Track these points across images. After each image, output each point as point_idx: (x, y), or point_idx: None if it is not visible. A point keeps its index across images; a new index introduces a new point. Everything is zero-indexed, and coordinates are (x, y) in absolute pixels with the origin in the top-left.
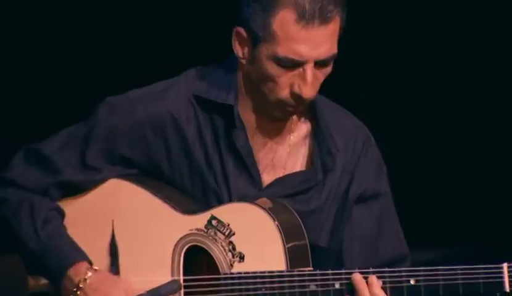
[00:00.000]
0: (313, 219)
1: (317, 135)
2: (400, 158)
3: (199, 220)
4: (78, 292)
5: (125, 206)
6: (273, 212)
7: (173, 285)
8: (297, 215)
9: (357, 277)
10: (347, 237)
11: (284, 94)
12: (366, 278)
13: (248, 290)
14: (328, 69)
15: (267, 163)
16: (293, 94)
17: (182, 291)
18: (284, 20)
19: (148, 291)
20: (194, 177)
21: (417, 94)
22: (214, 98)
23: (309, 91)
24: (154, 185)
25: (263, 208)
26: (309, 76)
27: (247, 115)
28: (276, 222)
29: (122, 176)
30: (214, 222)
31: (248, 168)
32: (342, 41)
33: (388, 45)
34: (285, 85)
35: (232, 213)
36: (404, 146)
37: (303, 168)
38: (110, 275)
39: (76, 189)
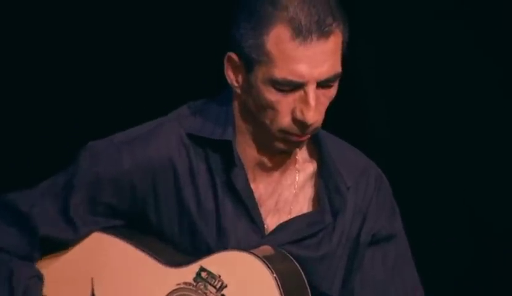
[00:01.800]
0: (324, 266)
1: (323, 173)
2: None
3: (187, 272)
4: None
5: (105, 262)
6: (270, 261)
7: None
8: (298, 266)
9: None
10: (358, 283)
11: (286, 121)
12: None
13: None
14: (332, 91)
15: (270, 206)
16: (296, 121)
17: None
18: (278, 38)
19: None
20: (183, 227)
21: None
22: (210, 135)
23: (313, 115)
24: (137, 237)
25: (258, 257)
26: (312, 99)
27: (246, 152)
28: (274, 275)
29: (103, 229)
30: (203, 274)
31: (250, 212)
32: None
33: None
34: (286, 111)
35: (223, 263)
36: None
37: (310, 209)
38: None
39: (55, 245)
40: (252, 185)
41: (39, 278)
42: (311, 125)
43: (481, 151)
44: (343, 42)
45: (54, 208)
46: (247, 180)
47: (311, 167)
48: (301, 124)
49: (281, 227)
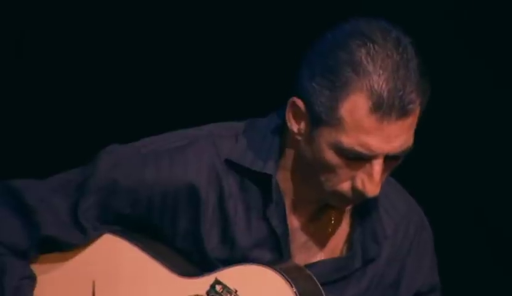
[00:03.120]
0: None
1: (362, 215)
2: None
3: (200, 284)
4: None
5: (109, 265)
6: (293, 280)
7: None
8: (322, 290)
9: None
10: None
11: (344, 187)
12: None
13: None
14: (398, 162)
15: (301, 242)
16: (354, 190)
17: None
18: (355, 107)
19: None
20: (200, 249)
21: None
22: (250, 166)
23: (374, 189)
24: (147, 241)
25: (279, 273)
26: (377, 173)
27: (285, 186)
28: (294, 289)
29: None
30: (218, 287)
31: (280, 247)
32: None
33: None
34: (346, 177)
35: (240, 277)
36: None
37: (340, 252)
38: None
39: (57, 247)
40: (288, 223)
41: (32, 279)
42: (369, 197)
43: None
44: (420, 113)
45: (64, 208)
46: (283, 218)
47: (349, 209)
48: (359, 194)
49: (307, 267)
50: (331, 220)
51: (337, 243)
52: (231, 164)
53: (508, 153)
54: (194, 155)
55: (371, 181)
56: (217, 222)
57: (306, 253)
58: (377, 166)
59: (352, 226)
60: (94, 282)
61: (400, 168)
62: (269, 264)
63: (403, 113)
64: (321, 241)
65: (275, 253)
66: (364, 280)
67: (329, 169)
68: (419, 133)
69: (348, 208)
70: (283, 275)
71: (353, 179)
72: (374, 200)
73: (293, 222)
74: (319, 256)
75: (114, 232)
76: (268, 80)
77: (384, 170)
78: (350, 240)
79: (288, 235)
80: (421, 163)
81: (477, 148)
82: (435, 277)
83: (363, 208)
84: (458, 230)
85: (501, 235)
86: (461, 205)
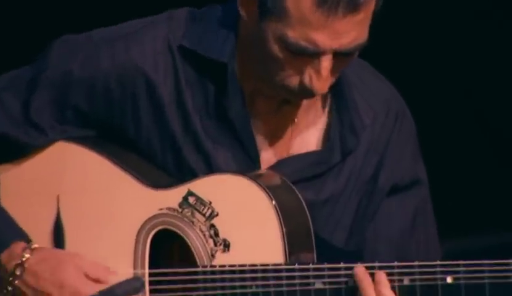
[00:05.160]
0: (326, 211)
1: (338, 106)
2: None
3: (172, 196)
4: (16, 282)
5: (74, 177)
6: (269, 188)
7: (132, 284)
8: (299, 195)
9: (360, 273)
10: (372, 235)
11: (292, 82)
12: (372, 275)
13: (233, 287)
14: (352, 58)
15: (267, 138)
16: (302, 85)
17: (147, 288)
18: None
19: (100, 292)
20: (166, 149)
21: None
22: (204, 53)
23: (323, 86)
24: (113, 151)
25: (257, 183)
26: (325, 70)
27: (244, 78)
28: (274, 202)
29: (73, 139)
30: (191, 199)
31: (243, 143)
32: None
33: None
34: (294, 72)
35: (215, 188)
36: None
37: (317, 147)
38: (54, 252)
39: (14, 149)
40: (248, 114)
41: None
42: (317, 94)
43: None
44: (376, 7)
45: (15, 106)
46: (243, 106)
47: (323, 98)
48: (307, 91)
49: (281, 163)
50: (298, 112)
51: (307, 138)
52: (186, 52)
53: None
54: (151, 39)
55: (318, 78)
56: (177, 113)
57: (273, 150)
58: (325, 62)
59: (329, 120)
60: (58, 197)
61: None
62: (246, 173)
63: (352, 8)
64: (288, 136)
65: (240, 152)
66: (342, 176)
67: (277, 63)
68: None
69: (323, 102)
70: (261, 186)
71: (301, 74)
72: (351, 90)
73: (255, 115)
74: (288, 152)
75: (78, 142)
76: None
77: (336, 67)
78: (326, 135)
79: (250, 129)
80: (420, 65)
81: (476, 51)
82: (419, 172)
83: (340, 99)
84: (459, 134)
85: (502, 136)
86: (461, 108)
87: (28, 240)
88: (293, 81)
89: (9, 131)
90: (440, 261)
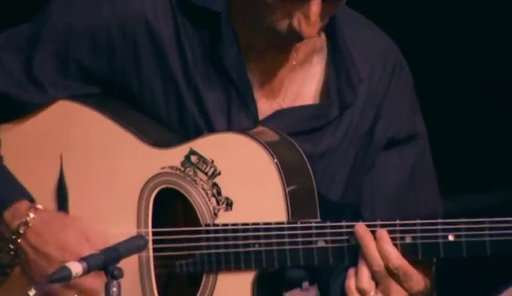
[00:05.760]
0: (323, 164)
1: (335, 60)
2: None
3: (174, 155)
4: (19, 240)
5: (77, 136)
6: (271, 146)
7: (136, 242)
8: (302, 152)
9: (361, 230)
10: (369, 189)
11: (280, 26)
12: (373, 232)
13: (236, 246)
14: (340, 3)
15: (263, 89)
16: (290, 29)
17: (150, 247)
18: None
19: (102, 250)
20: (169, 98)
21: None
22: (199, 2)
23: (311, 30)
24: (116, 110)
25: (258, 141)
26: (314, 14)
27: (239, 28)
28: (275, 160)
29: (76, 96)
30: (194, 158)
31: (240, 93)
32: None
33: None
34: (283, 16)
35: (217, 147)
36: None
37: (314, 100)
38: (58, 215)
39: (16, 108)
40: (244, 63)
41: None
42: (306, 38)
43: None
44: None
45: (16, 64)
46: (238, 55)
47: (319, 47)
48: (296, 35)
49: (278, 114)
50: (293, 63)
51: (304, 90)
52: (182, 2)
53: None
54: None
55: (307, 22)
56: (179, 63)
57: (271, 100)
58: (314, 6)
59: (326, 74)
60: (61, 155)
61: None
62: (248, 131)
63: None
64: (284, 86)
65: (238, 101)
66: (340, 130)
67: (266, 7)
68: None
69: (318, 54)
70: (262, 144)
71: (290, 18)
72: (347, 44)
73: (252, 65)
74: (284, 103)
75: (81, 101)
76: None
77: (325, 12)
78: (324, 90)
79: (246, 78)
80: (418, 16)
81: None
82: (417, 124)
83: (336, 53)
84: (459, 89)
85: (505, 93)
86: (461, 61)
87: (32, 200)
88: (282, 25)
89: (10, 90)
90: (441, 219)
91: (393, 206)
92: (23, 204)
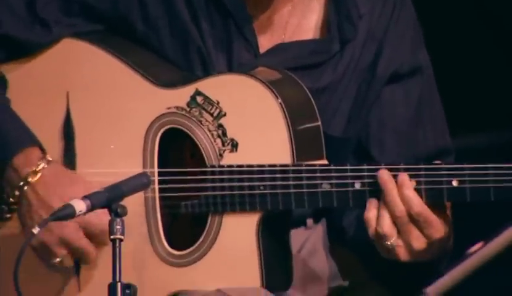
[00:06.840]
0: (324, 99)
1: None
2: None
3: (180, 96)
4: (25, 188)
5: (83, 74)
6: (275, 86)
7: (139, 180)
8: (307, 90)
9: (384, 175)
10: (376, 125)
11: None
12: (395, 177)
13: (242, 188)
14: None
15: (263, 22)
16: None
17: (156, 187)
18: None
19: (106, 188)
20: (175, 34)
21: None
22: None
23: None
24: (121, 48)
25: (262, 82)
26: None
27: None
28: (279, 100)
29: (80, 34)
30: (199, 99)
31: (239, 26)
32: None
33: None
34: None
35: (222, 88)
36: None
37: (314, 35)
38: (67, 171)
39: (21, 48)
40: None
41: (0, 82)
42: None
43: None
44: None
45: (20, 3)
46: None
47: None
48: None
49: (279, 48)
50: (291, 1)
51: (304, 25)
52: None
53: None
54: None
55: None
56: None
57: (270, 34)
58: None
59: (325, 10)
60: (67, 94)
61: None
62: (253, 72)
63: None
64: (284, 20)
65: (237, 35)
66: (341, 65)
67: None
68: None
69: None
70: (266, 85)
71: None
72: None
73: (250, 3)
74: (284, 38)
75: (86, 39)
76: None
77: None
78: (324, 26)
79: (246, 10)
80: None
81: None
82: (421, 58)
83: None
84: (465, 28)
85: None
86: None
87: (42, 149)
88: None
89: (14, 30)
90: (445, 165)
91: (402, 140)
92: (35, 152)
